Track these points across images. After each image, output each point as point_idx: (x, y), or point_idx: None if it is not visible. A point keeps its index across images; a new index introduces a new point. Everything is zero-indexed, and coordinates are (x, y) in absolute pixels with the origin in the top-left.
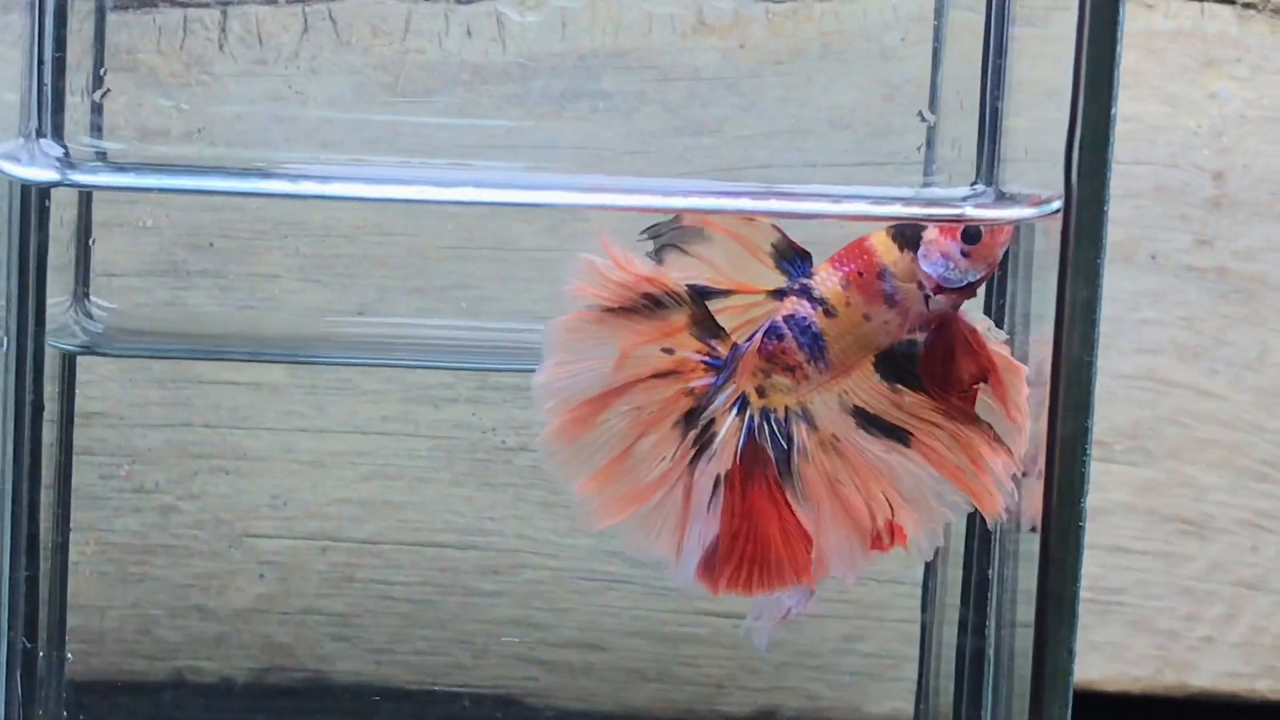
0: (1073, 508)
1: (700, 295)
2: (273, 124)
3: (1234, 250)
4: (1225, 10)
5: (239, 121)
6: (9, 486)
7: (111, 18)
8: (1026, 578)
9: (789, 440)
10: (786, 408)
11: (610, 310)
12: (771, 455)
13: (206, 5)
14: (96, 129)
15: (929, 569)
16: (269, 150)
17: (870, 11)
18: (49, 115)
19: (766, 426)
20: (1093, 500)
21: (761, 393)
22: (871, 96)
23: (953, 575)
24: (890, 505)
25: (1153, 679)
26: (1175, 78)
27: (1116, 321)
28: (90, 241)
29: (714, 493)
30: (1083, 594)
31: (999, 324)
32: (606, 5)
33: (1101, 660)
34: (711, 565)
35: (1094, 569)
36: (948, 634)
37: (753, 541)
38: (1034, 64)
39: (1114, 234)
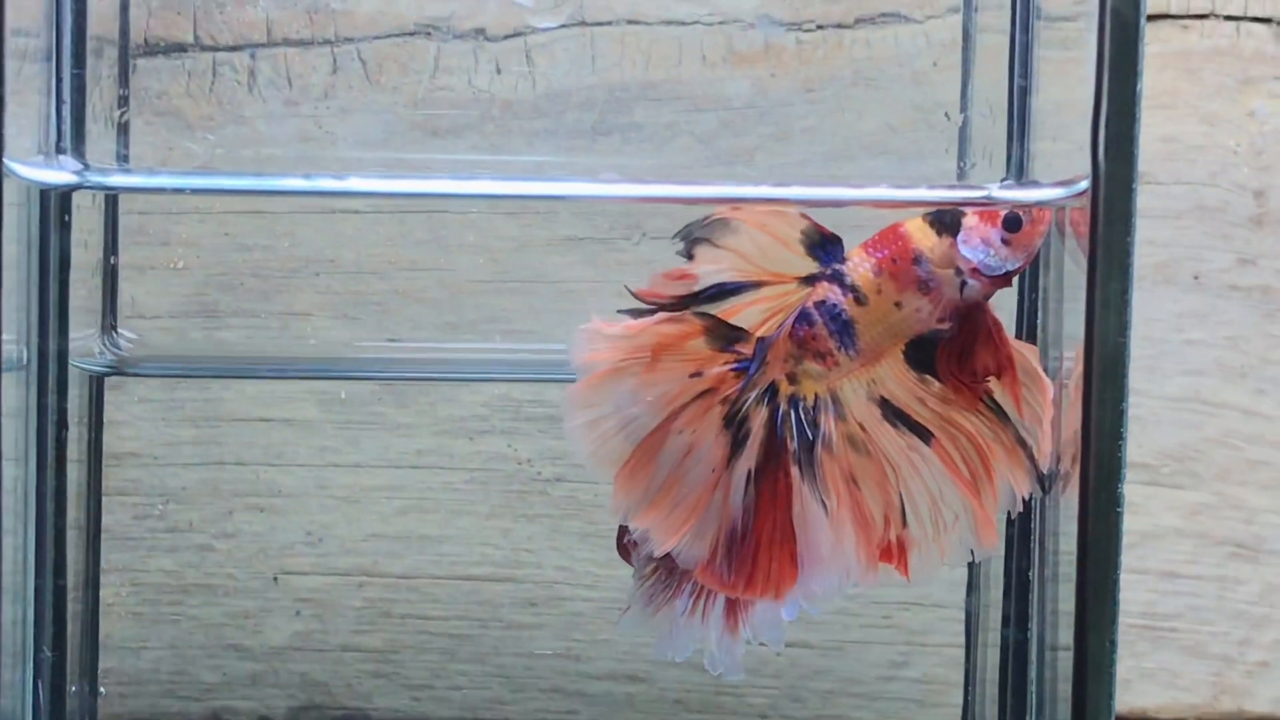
0: (1111, 493)
1: (720, 295)
2: (303, 165)
3: (1278, 268)
4: (1261, 28)
5: (269, 164)
6: (34, 503)
7: (141, 63)
8: (1067, 600)
9: (815, 429)
10: (816, 395)
11: (623, 363)
12: (791, 446)
13: (236, 48)
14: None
15: (971, 592)
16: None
17: (901, 38)
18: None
19: (794, 414)
20: (1142, 525)
21: (792, 379)
22: (904, 120)
23: (994, 598)
24: (904, 519)
25: (1209, 705)
26: (1213, 97)
27: (1161, 343)
28: (112, 262)
29: (746, 489)
30: (1135, 620)
31: (1034, 317)
32: (636, 37)
33: (1156, 688)
34: (714, 559)
35: (1145, 595)
36: (991, 658)
37: (749, 539)
38: (1065, 86)
39: (1155, 255)
